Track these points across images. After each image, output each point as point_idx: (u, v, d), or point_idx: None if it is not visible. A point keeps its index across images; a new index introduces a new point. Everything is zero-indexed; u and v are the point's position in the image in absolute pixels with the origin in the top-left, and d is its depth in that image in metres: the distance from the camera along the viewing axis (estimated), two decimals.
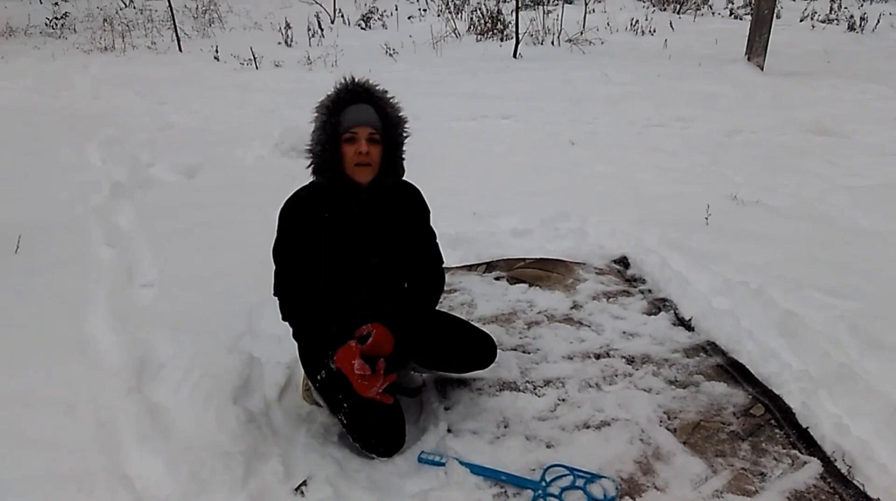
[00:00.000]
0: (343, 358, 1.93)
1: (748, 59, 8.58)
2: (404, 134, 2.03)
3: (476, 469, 1.94)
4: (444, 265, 2.23)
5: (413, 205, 2.16)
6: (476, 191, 4.23)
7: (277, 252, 2.04)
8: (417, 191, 2.18)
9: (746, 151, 5.30)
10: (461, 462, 1.96)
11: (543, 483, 1.90)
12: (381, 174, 2.01)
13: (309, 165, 2.00)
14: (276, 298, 2.05)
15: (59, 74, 8.22)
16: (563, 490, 1.88)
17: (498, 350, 2.35)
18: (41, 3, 14.04)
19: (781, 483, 1.88)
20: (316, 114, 1.97)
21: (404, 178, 2.13)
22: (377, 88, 2.00)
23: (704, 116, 6.41)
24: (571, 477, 1.91)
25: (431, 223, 2.22)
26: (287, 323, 2.06)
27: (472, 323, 2.43)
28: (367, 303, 2.07)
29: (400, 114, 2.02)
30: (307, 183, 2.06)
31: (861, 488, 1.85)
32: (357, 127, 1.92)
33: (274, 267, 2.04)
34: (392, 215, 2.08)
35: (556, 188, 4.34)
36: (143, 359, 2.41)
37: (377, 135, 1.95)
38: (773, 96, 7.22)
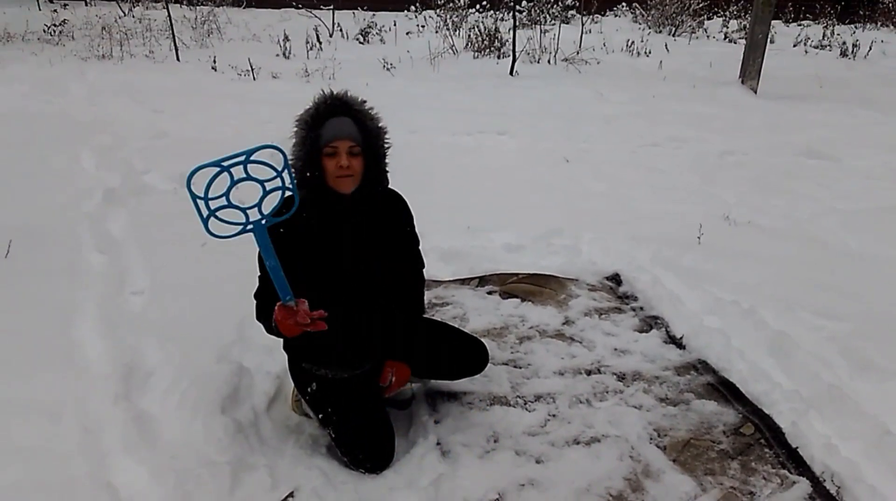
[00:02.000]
0: (284, 320, 1.83)
1: (742, 82, 8.66)
2: (385, 145, 2.03)
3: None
4: (436, 279, 2.23)
5: (398, 212, 2.16)
6: (470, 205, 4.23)
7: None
8: (401, 198, 2.18)
9: (739, 172, 5.34)
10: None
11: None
12: (363, 185, 2.00)
13: (291, 181, 1.98)
14: (255, 300, 2.01)
15: (55, 80, 8.21)
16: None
17: (489, 364, 2.35)
18: (40, 9, 14.05)
19: None
20: (295, 128, 1.96)
21: (391, 187, 2.12)
22: (356, 99, 1.99)
23: (698, 136, 6.45)
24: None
25: (417, 229, 2.22)
26: (259, 323, 2.00)
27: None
28: (354, 311, 2.06)
29: (380, 125, 2.01)
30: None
31: None
32: (337, 141, 1.92)
33: (259, 272, 2.01)
34: (377, 224, 2.08)
35: (550, 205, 4.36)
36: (131, 367, 2.39)
37: (357, 147, 1.94)
38: (766, 119, 7.28)
